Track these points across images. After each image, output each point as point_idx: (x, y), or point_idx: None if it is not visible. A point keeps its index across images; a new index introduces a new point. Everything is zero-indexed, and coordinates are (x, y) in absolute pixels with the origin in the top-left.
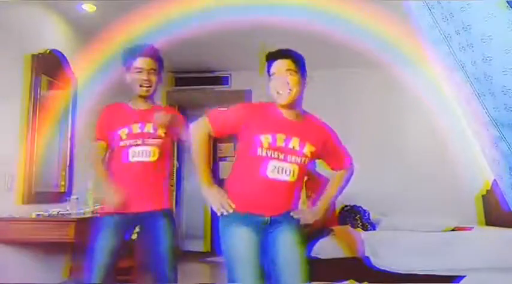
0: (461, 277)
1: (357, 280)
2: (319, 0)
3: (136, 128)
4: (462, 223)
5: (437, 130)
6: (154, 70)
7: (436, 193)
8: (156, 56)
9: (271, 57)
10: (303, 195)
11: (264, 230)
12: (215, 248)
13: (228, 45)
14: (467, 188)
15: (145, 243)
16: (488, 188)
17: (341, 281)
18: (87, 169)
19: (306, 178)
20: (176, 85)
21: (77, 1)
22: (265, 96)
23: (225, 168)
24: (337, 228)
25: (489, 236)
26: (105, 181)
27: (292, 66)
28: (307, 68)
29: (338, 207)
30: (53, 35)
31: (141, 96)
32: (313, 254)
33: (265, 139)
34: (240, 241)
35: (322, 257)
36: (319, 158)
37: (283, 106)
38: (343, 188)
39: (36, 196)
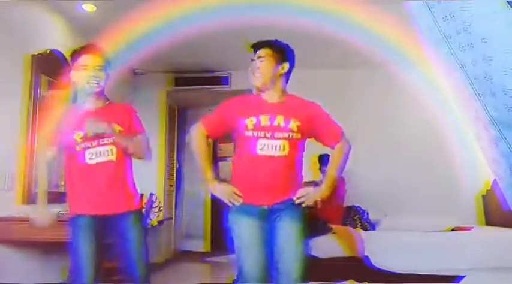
0: (461, 277)
1: (356, 280)
2: (319, 0)
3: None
4: (462, 223)
5: (438, 130)
6: (101, 66)
7: (436, 193)
8: (100, 52)
9: (255, 47)
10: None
11: (267, 219)
12: (215, 248)
13: (228, 45)
14: (467, 188)
15: (116, 246)
16: (488, 188)
17: (341, 281)
18: None
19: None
20: (176, 85)
21: (77, 1)
22: None
23: (225, 168)
24: (337, 228)
25: (489, 236)
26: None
27: (269, 52)
28: (305, 69)
29: None
30: (53, 35)
31: (90, 94)
32: (313, 253)
33: (250, 121)
34: (244, 231)
35: (321, 257)
36: (310, 136)
37: (258, 88)
38: (343, 164)
39: (36, 196)
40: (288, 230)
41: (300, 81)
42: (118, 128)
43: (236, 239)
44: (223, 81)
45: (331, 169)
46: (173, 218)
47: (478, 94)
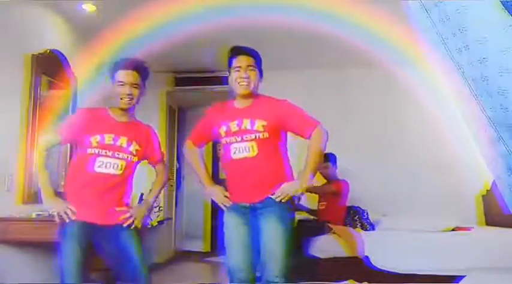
0: (461, 277)
1: (356, 280)
2: (319, 1)
3: (109, 139)
4: (462, 223)
5: (437, 130)
6: (137, 84)
7: (436, 193)
8: (138, 69)
9: (235, 52)
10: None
11: (249, 216)
12: (215, 248)
13: (228, 45)
14: (467, 188)
15: (115, 255)
16: (488, 188)
17: (341, 281)
18: None
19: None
20: (176, 85)
21: (77, 1)
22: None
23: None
24: (336, 228)
25: (489, 236)
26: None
27: (252, 62)
28: (305, 69)
29: None
30: (53, 35)
31: (121, 109)
32: (313, 253)
33: (222, 130)
34: (230, 230)
35: (321, 257)
36: (281, 132)
37: (242, 96)
38: (319, 152)
39: (36, 196)
40: (269, 227)
41: (300, 81)
42: (136, 147)
43: (225, 238)
44: (223, 81)
45: (309, 160)
46: (173, 218)
47: (475, 95)
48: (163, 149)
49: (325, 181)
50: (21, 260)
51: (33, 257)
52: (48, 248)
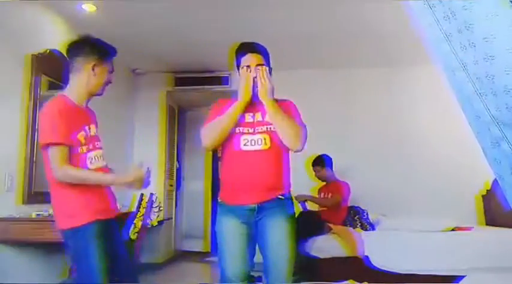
0: (461, 277)
1: (356, 280)
2: (319, 0)
3: (88, 130)
4: (462, 223)
5: (438, 130)
6: (113, 69)
7: (436, 193)
8: (114, 54)
9: (243, 50)
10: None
11: (254, 218)
12: (215, 248)
13: (228, 45)
14: (467, 188)
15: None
16: (488, 188)
17: (341, 281)
18: None
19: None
20: (176, 85)
21: (77, 1)
22: None
23: None
24: (336, 228)
25: (489, 236)
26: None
27: (262, 60)
28: (305, 69)
29: None
30: (53, 35)
31: (89, 93)
32: (312, 253)
33: None
34: (229, 233)
35: (321, 257)
36: None
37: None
38: (287, 122)
39: (36, 196)
40: (276, 228)
41: (300, 81)
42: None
43: (221, 241)
44: (223, 81)
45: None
46: (173, 218)
47: (480, 93)
48: (162, 149)
49: (323, 183)
50: (21, 260)
51: (33, 257)
52: (48, 248)
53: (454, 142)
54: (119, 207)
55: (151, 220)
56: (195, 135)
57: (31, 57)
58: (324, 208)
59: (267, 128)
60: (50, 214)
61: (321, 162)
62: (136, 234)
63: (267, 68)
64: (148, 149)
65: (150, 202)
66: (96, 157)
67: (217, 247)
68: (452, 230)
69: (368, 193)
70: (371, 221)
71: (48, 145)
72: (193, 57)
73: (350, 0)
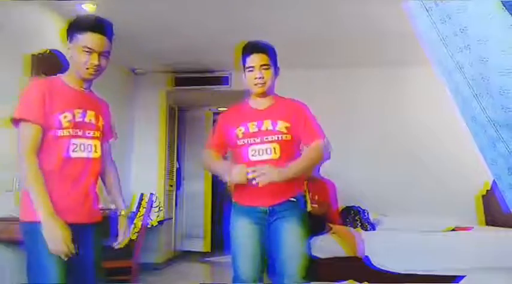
0: (461, 277)
1: (356, 280)
2: (319, 1)
3: (78, 115)
4: (462, 223)
5: (437, 130)
6: (107, 52)
7: (436, 193)
8: (109, 33)
9: (248, 50)
10: (307, 196)
11: (266, 220)
12: (215, 248)
13: (228, 45)
14: (467, 188)
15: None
16: (488, 188)
17: (341, 281)
18: None
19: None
20: (176, 85)
21: (77, 1)
22: None
23: None
24: (336, 227)
25: (489, 236)
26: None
27: (267, 60)
28: (305, 69)
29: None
30: (53, 35)
31: (84, 79)
32: (312, 253)
33: (239, 130)
34: (241, 233)
35: (321, 257)
36: (298, 135)
37: (257, 95)
38: (313, 160)
39: None
40: (288, 230)
41: (301, 81)
42: (102, 122)
43: (234, 241)
44: (223, 81)
45: (298, 161)
46: (173, 218)
47: (476, 95)
48: (162, 149)
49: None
50: (21, 260)
51: None
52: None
53: (454, 142)
54: (103, 210)
55: (151, 220)
56: (195, 135)
57: (31, 57)
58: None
59: (278, 137)
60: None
61: None
62: (136, 234)
63: (272, 69)
64: (148, 149)
65: (150, 202)
66: (83, 146)
67: (231, 248)
68: (452, 230)
69: (368, 193)
70: (371, 221)
71: (19, 120)
72: (193, 57)
73: (350, 1)
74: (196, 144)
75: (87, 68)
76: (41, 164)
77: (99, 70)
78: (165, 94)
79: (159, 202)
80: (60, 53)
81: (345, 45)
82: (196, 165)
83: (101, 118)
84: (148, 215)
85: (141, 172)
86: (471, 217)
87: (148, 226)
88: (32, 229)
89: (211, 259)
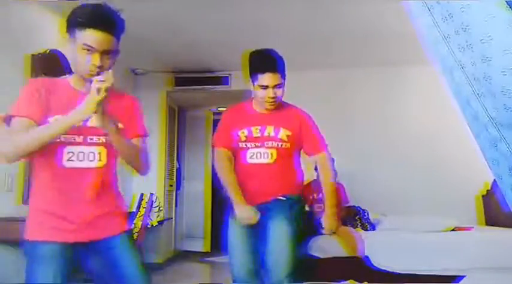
0: (461, 277)
1: (356, 280)
2: (319, 1)
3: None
4: (462, 223)
5: (438, 130)
6: (111, 50)
7: (436, 193)
8: (115, 30)
9: (261, 68)
10: (308, 195)
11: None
12: (215, 248)
13: (228, 45)
14: (467, 188)
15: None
16: (488, 188)
17: (341, 281)
18: None
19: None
20: (176, 85)
21: (77, 1)
22: None
23: None
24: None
25: (489, 236)
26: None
27: (280, 80)
28: (305, 69)
29: None
30: (53, 35)
31: (86, 80)
32: (312, 253)
33: (242, 133)
34: (233, 232)
35: (321, 257)
36: (300, 144)
37: (269, 110)
38: (333, 187)
39: None
40: (276, 228)
41: (300, 81)
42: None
43: (229, 241)
44: (223, 81)
45: (328, 203)
46: (173, 218)
47: (478, 94)
48: (162, 149)
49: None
50: (21, 260)
51: None
52: None
53: (454, 142)
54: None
55: (151, 220)
56: (195, 135)
57: (31, 57)
58: (319, 210)
59: (277, 144)
60: None
61: None
62: (136, 234)
63: (284, 86)
64: (148, 149)
65: (150, 202)
66: (82, 155)
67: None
68: (452, 230)
69: (368, 193)
70: (371, 221)
71: (10, 118)
72: (193, 57)
73: (350, 1)
74: (196, 144)
75: (88, 68)
76: (37, 173)
77: (101, 71)
78: (165, 94)
79: (159, 202)
80: (60, 52)
81: (345, 45)
82: (196, 165)
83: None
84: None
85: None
86: (471, 217)
87: (148, 226)
88: (28, 248)
89: (211, 259)
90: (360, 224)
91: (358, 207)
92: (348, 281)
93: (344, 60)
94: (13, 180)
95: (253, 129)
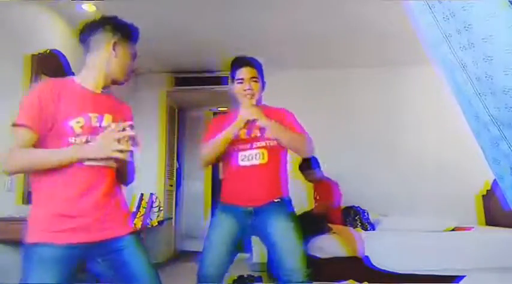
0: (461, 277)
1: (356, 280)
2: (319, 1)
3: (94, 120)
4: (462, 223)
5: (438, 130)
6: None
7: (436, 193)
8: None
9: (238, 64)
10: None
11: (250, 221)
12: None
13: (228, 45)
14: (467, 188)
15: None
16: (488, 188)
17: (341, 281)
18: None
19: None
20: (176, 85)
21: (77, 1)
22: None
23: None
24: (336, 227)
25: (489, 236)
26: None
27: (255, 73)
28: (305, 69)
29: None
30: (53, 35)
31: (116, 83)
32: (313, 253)
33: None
34: (216, 228)
35: (322, 257)
36: None
37: (250, 106)
38: (295, 139)
39: None
40: (277, 224)
41: (300, 81)
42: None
43: (208, 235)
44: (223, 81)
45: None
46: (173, 218)
47: (479, 93)
48: (162, 149)
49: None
50: (21, 260)
51: None
52: None
53: (454, 142)
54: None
55: (151, 220)
56: (195, 135)
57: (31, 57)
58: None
59: (265, 143)
60: None
61: (309, 166)
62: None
63: (260, 82)
64: (148, 149)
65: (150, 202)
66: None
67: (204, 243)
68: (452, 230)
69: (368, 193)
70: (371, 221)
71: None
72: (193, 57)
73: (350, 1)
74: (196, 144)
75: (127, 72)
76: (52, 175)
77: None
78: (165, 94)
79: (159, 202)
80: (60, 52)
81: (345, 45)
82: (196, 165)
83: (111, 120)
84: (148, 216)
85: (141, 172)
86: (471, 217)
87: (148, 226)
88: (27, 250)
89: None
90: (360, 224)
91: (358, 207)
92: (348, 281)
93: (344, 60)
94: (13, 180)
95: (240, 131)
